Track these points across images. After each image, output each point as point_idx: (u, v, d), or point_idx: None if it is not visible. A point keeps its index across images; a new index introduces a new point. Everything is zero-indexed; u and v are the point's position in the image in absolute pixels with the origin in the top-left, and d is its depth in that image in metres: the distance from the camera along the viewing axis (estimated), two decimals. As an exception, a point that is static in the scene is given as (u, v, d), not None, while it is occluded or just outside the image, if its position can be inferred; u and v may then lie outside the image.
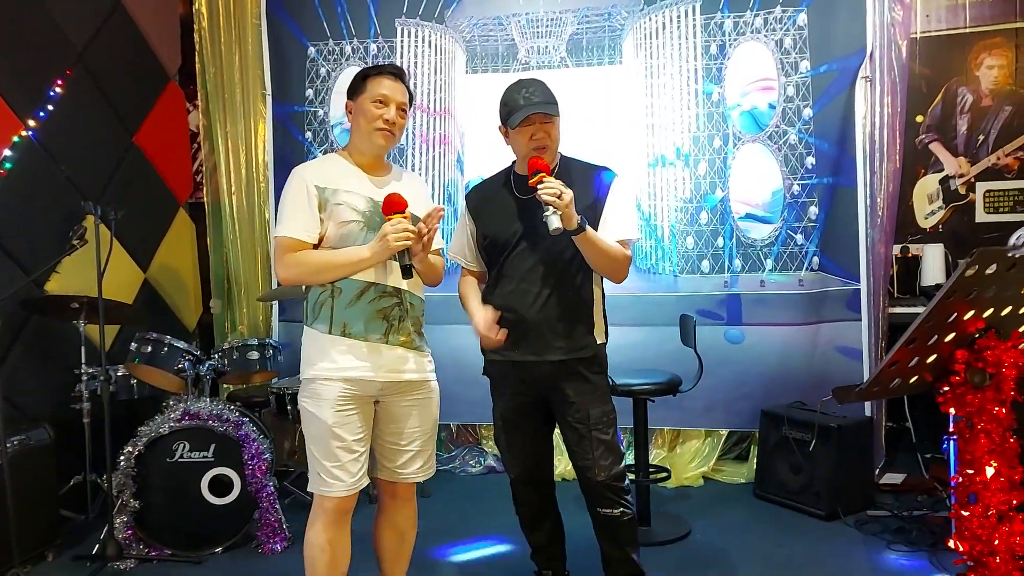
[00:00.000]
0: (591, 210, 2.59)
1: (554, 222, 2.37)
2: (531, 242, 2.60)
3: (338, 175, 2.43)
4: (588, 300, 2.66)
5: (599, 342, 2.68)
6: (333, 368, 2.37)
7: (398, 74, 2.47)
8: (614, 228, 2.60)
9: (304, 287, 2.49)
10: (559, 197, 2.37)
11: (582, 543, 2.98)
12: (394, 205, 2.35)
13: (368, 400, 2.44)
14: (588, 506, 2.73)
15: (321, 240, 2.41)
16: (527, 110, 2.54)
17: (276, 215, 2.49)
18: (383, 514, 2.62)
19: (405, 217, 2.34)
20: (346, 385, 2.37)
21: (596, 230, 2.55)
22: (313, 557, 2.42)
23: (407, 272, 2.33)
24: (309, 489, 2.48)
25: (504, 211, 2.67)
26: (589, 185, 2.64)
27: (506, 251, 2.65)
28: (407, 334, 2.45)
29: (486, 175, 4.46)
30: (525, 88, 2.60)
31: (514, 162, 2.74)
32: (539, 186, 2.40)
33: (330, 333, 2.38)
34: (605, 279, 2.73)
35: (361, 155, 2.48)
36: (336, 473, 2.39)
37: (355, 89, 2.46)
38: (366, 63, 4.58)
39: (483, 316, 2.61)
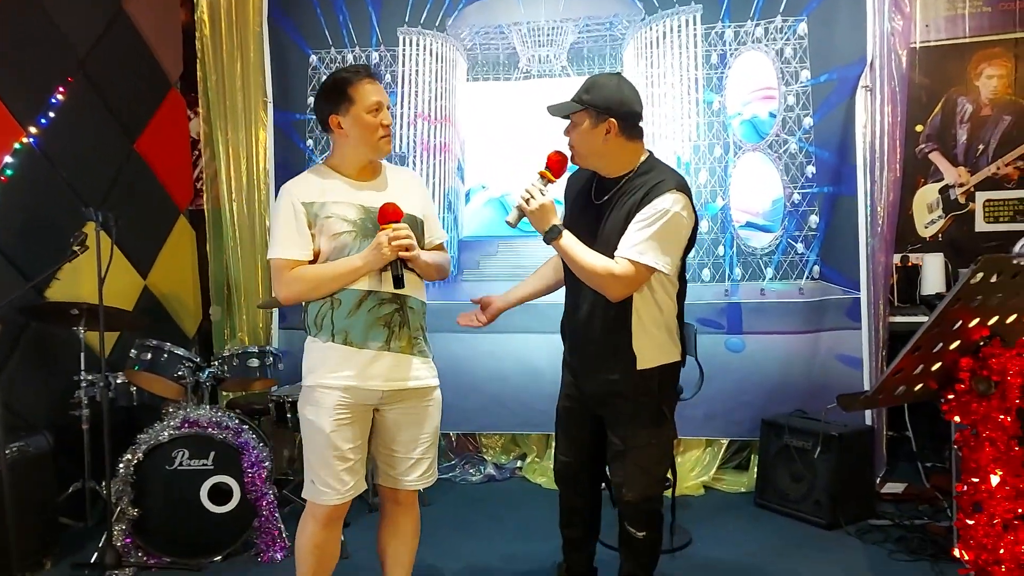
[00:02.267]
0: (623, 220, 2.42)
1: (510, 214, 2.43)
2: (592, 244, 2.45)
3: (326, 188, 2.41)
4: (624, 317, 2.47)
5: (644, 366, 2.49)
6: (333, 376, 2.38)
7: (375, 75, 2.44)
8: (624, 243, 2.40)
9: (304, 303, 2.48)
10: (528, 201, 2.38)
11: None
12: (388, 215, 2.35)
13: (367, 408, 2.44)
14: (618, 517, 2.68)
15: (317, 256, 2.41)
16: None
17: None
18: (386, 520, 2.63)
19: (396, 226, 2.34)
20: (345, 394, 2.37)
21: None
22: (303, 559, 2.49)
23: (399, 282, 2.34)
24: (303, 496, 2.49)
25: (577, 211, 2.60)
26: (637, 195, 2.43)
27: None
28: (407, 339, 2.44)
29: (487, 183, 4.56)
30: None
31: None
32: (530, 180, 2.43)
33: (332, 342, 2.39)
34: (682, 297, 2.61)
35: (351, 165, 2.45)
36: (330, 482, 2.40)
37: (338, 101, 2.38)
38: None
39: (484, 297, 2.71)
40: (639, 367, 2.49)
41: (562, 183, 2.63)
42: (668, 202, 2.37)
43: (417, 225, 2.47)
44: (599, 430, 2.65)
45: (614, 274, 2.38)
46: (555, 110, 2.48)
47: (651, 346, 2.50)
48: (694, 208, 2.49)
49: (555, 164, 2.45)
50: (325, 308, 2.40)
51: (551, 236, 2.40)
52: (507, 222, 2.44)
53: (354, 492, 2.45)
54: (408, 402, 2.47)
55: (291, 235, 2.38)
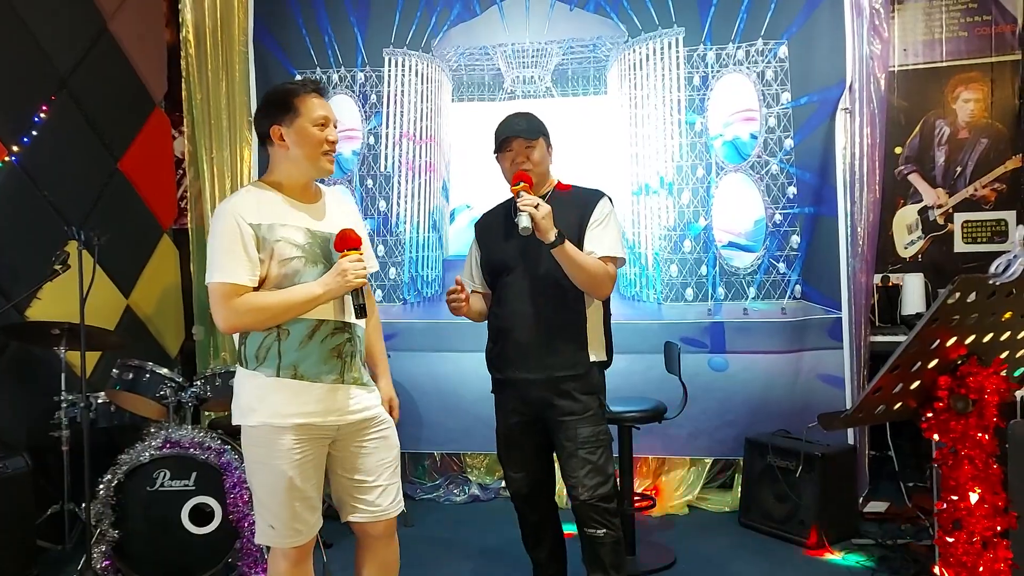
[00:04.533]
0: (577, 229, 2.69)
1: (523, 221, 2.50)
2: (525, 265, 2.73)
3: (270, 209, 2.25)
4: (579, 320, 2.72)
5: (591, 360, 2.73)
6: (286, 414, 2.20)
7: (323, 91, 2.35)
8: (595, 245, 2.69)
9: (240, 333, 2.30)
10: (536, 208, 2.51)
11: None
12: (348, 241, 2.24)
13: (323, 444, 2.28)
14: (577, 527, 2.75)
15: (262, 282, 2.22)
16: (504, 133, 2.75)
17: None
18: (367, 553, 2.42)
19: (360, 253, 2.25)
20: (300, 432, 2.21)
21: (581, 249, 2.66)
22: None
23: (361, 312, 2.25)
24: (258, 541, 2.35)
25: (502, 237, 2.80)
26: (577, 206, 2.74)
27: (503, 274, 2.79)
28: (358, 369, 2.33)
29: (471, 203, 4.58)
30: (513, 118, 2.80)
31: None
32: (518, 196, 2.57)
33: (278, 376, 2.21)
34: (608, 303, 2.82)
35: (293, 183, 2.32)
36: (295, 526, 2.25)
37: (283, 112, 2.28)
38: (354, 92, 4.61)
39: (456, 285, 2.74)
40: (590, 361, 2.73)
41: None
42: (608, 206, 2.77)
43: None
44: (546, 444, 2.82)
45: (610, 273, 2.68)
46: (527, 133, 2.74)
47: (597, 342, 2.76)
48: None
49: (527, 178, 2.65)
50: (270, 339, 2.22)
51: (558, 242, 2.55)
52: (523, 230, 2.51)
53: (318, 526, 2.32)
54: (366, 432, 2.33)
55: (238, 258, 2.17)
